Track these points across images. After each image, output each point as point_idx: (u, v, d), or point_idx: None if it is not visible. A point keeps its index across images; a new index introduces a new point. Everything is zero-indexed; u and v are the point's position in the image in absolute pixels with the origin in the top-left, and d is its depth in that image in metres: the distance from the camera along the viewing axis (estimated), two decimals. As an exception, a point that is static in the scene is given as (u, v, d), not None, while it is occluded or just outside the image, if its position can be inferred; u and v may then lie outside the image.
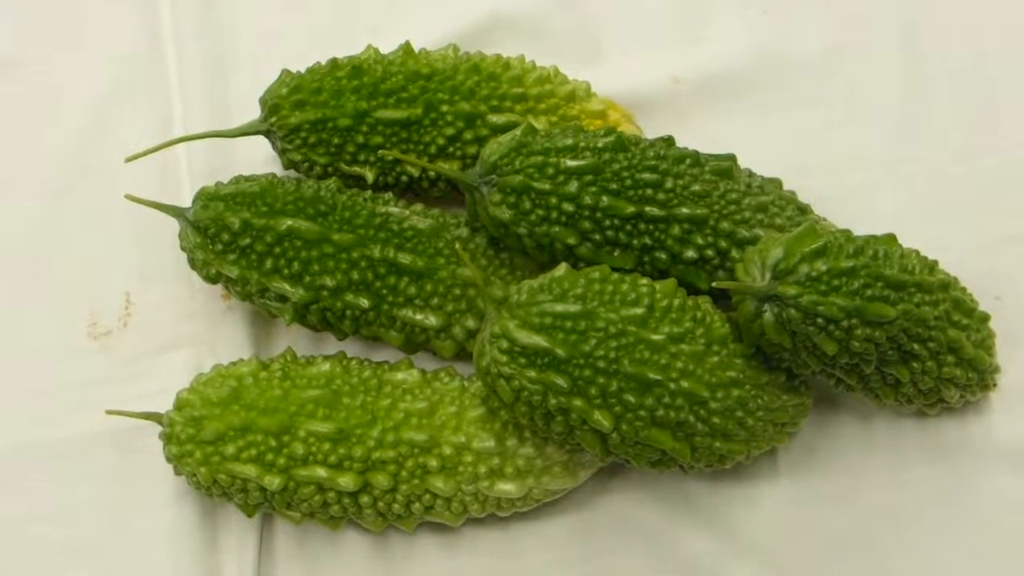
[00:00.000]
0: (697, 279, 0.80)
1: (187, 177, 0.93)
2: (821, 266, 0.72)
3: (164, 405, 0.81)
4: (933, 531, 0.83)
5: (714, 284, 0.76)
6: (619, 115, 0.90)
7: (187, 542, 0.84)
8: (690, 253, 0.79)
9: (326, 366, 0.81)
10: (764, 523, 0.84)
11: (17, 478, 0.87)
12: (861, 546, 0.84)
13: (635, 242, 0.79)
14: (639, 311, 0.74)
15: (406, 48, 0.86)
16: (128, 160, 0.84)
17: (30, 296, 0.91)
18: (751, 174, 0.84)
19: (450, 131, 0.84)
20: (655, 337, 0.73)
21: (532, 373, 0.72)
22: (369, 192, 0.84)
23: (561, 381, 0.72)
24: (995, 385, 0.84)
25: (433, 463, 0.78)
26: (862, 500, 0.84)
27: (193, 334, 0.90)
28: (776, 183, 0.85)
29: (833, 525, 0.84)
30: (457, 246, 0.79)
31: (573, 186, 0.78)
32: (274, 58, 0.90)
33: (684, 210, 0.79)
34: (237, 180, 0.83)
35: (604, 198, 0.78)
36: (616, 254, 0.79)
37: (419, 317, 0.82)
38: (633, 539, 0.84)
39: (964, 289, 0.81)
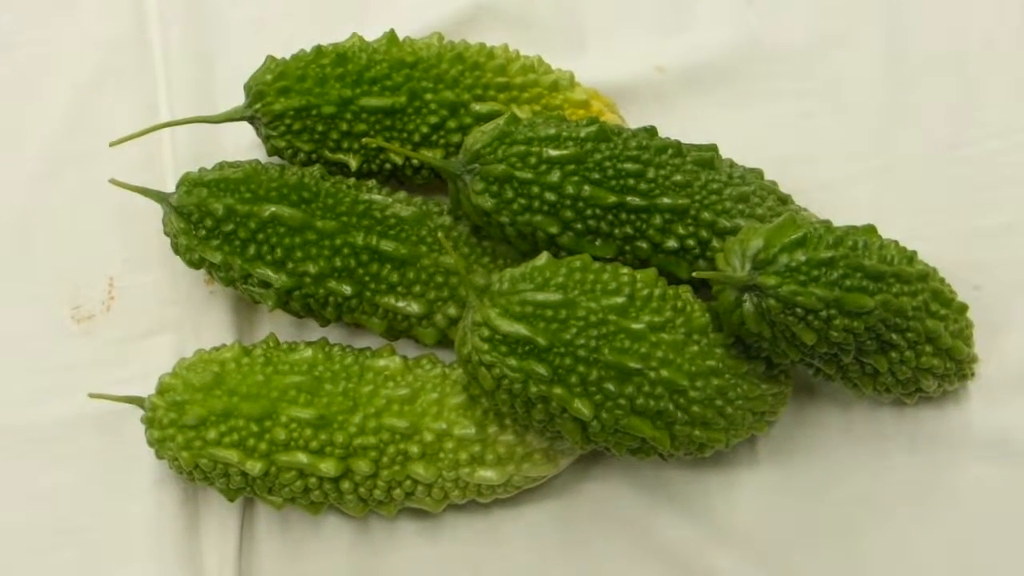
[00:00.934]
0: (678, 268, 0.81)
1: (171, 162, 0.93)
2: (800, 256, 0.72)
3: (146, 389, 0.81)
4: (911, 518, 0.84)
5: (695, 274, 0.76)
6: (602, 105, 0.90)
7: (168, 526, 0.84)
8: (671, 243, 0.80)
9: (308, 352, 0.81)
10: (743, 510, 0.85)
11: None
12: (839, 533, 0.84)
13: (616, 231, 0.79)
14: (620, 300, 0.74)
15: (390, 36, 0.86)
16: (112, 145, 0.84)
17: (13, 279, 0.91)
18: (732, 164, 0.84)
19: (434, 119, 0.84)
20: (635, 326, 0.74)
21: (513, 361, 0.73)
22: (352, 179, 0.85)
23: (542, 369, 0.72)
24: (973, 375, 0.85)
25: (414, 449, 0.78)
26: (840, 488, 0.85)
27: (176, 319, 0.90)
28: (757, 173, 0.85)
29: (812, 512, 0.84)
30: (440, 234, 0.80)
31: (555, 175, 0.78)
32: (259, 45, 0.90)
33: (666, 200, 0.79)
34: (221, 166, 0.83)
35: (586, 187, 0.78)
36: (597, 243, 0.80)
37: (401, 304, 0.82)
38: (613, 526, 0.85)
39: (943, 279, 0.82)
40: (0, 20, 0.99)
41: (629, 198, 0.79)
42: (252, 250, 0.81)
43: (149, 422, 0.79)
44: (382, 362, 0.81)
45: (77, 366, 0.89)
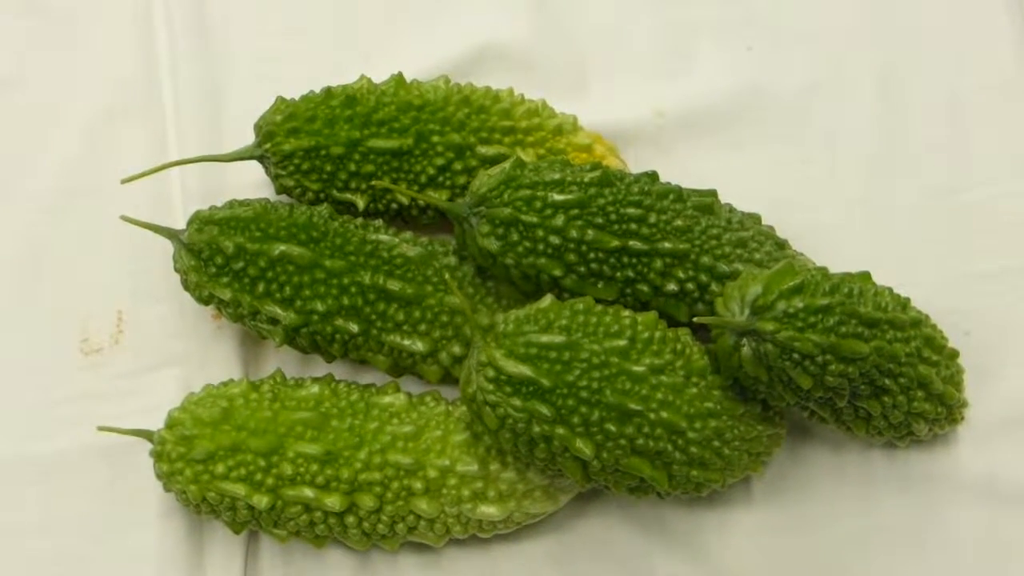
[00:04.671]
0: (677, 312, 0.82)
1: (180, 199, 0.93)
2: (798, 303, 0.74)
3: (153, 422, 0.82)
4: (900, 560, 0.85)
5: (695, 319, 0.78)
6: (604, 149, 0.91)
7: (174, 558, 0.85)
8: (671, 286, 0.81)
9: (315, 388, 0.82)
10: (737, 549, 0.86)
11: (7, 492, 0.87)
12: (831, 572, 0.85)
13: (618, 275, 0.81)
14: (621, 343, 0.75)
15: (398, 79, 0.88)
16: (124, 182, 0.85)
17: (24, 311, 0.92)
18: (731, 209, 0.86)
19: (440, 161, 0.86)
20: (636, 368, 0.75)
21: (517, 401, 0.74)
22: (360, 219, 0.85)
23: (545, 409, 0.73)
24: (963, 419, 0.86)
25: (418, 485, 0.79)
26: (832, 528, 0.86)
27: (183, 353, 0.90)
28: (755, 218, 0.87)
29: (804, 552, 0.85)
30: (445, 274, 0.81)
31: (560, 219, 0.79)
32: (268, 84, 0.90)
33: (666, 244, 0.80)
34: (231, 204, 0.84)
35: (589, 231, 0.79)
36: (600, 286, 0.81)
37: (407, 342, 0.83)
38: (609, 563, 0.86)
39: (935, 326, 0.83)
40: (12, 57, 0.99)
41: (631, 242, 0.80)
42: (261, 287, 0.82)
43: (158, 456, 0.80)
44: (387, 399, 0.82)
45: (85, 398, 0.89)
